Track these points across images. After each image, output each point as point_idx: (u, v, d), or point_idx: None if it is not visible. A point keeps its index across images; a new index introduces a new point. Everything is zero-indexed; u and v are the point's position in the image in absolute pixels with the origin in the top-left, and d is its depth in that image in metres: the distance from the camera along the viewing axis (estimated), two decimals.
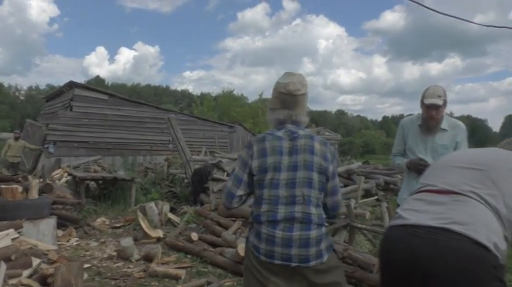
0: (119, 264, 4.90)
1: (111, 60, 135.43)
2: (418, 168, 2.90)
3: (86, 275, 4.21)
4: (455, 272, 1.36)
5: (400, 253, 1.52)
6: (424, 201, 1.58)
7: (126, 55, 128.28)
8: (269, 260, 1.91)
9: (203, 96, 49.42)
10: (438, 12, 4.32)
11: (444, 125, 3.02)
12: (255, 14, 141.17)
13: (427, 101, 2.93)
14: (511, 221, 1.47)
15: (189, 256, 5.13)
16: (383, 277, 1.71)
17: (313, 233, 1.89)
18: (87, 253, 5.40)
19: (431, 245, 1.41)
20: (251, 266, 1.99)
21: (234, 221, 5.51)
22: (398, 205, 3.32)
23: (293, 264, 1.88)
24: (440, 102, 2.90)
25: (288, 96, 2.01)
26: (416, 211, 1.55)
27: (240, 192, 2.03)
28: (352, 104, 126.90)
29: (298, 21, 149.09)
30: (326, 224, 1.96)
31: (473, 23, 4.40)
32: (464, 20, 4.38)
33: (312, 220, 1.90)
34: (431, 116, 2.96)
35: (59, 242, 5.70)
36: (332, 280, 1.92)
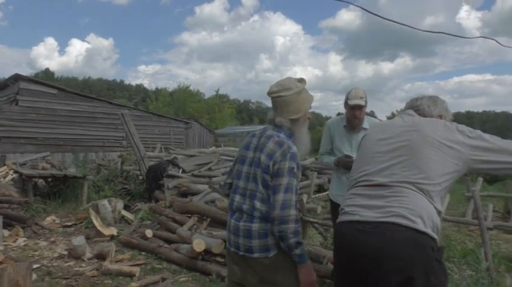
0: (71, 263, 4.79)
1: (62, 52, 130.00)
2: (346, 164, 3.14)
3: (35, 276, 4.10)
4: (400, 259, 1.53)
5: (350, 248, 1.68)
6: (364, 196, 1.73)
7: (77, 47, 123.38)
8: (228, 246, 2.11)
9: (158, 92, 48.52)
10: (380, 17, 4.55)
11: (365, 124, 3.32)
12: (213, 9, 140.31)
13: (351, 102, 3.21)
14: (436, 192, 1.67)
15: (143, 253, 5.10)
16: (336, 270, 1.85)
17: (255, 225, 1.96)
18: (36, 253, 5.23)
19: (378, 239, 1.58)
20: (226, 251, 2.20)
21: (190, 217, 5.53)
22: (331, 200, 3.53)
23: (240, 252, 2.01)
24: (362, 102, 3.21)
25: (271, 98, 2.13)
26: (360, 206, 1.70)
27: (229, 180, 2.25)
28: None
29: (256, 17, 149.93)
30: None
31: (409, 26, 4.68)
32: (399, 23, 4.62)
33: (254, 214, 1.97)
34: (355, 116, 3.25)
35: (5, 243, 5.47)
36: (279, 279, 1.94)
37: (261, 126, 2.24)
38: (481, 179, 8.59)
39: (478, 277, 3.49)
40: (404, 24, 4.65)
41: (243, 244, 2.00)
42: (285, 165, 1.91)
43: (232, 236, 2.06)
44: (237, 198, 2.08)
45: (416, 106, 1.99)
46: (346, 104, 3.28)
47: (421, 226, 1.57)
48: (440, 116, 1.97)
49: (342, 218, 1.78)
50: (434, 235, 1.60)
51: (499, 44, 5.40)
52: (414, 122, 1.84)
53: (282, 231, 1.85)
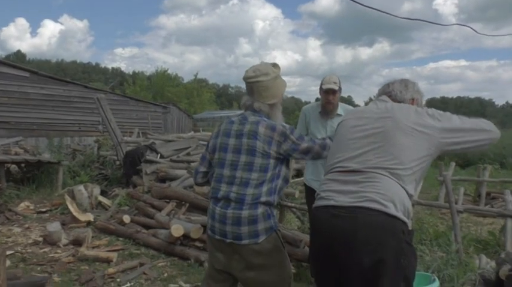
0: (46, 249, 4.73)
1: (34, 33, 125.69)
2: None
3: (9, 262, 4.03)
4: (372, 243, 1.59)
5: (325, 233, 1.73)
6: (338, 181, 1.76)
7: (50, 29, 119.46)
8: (211, 234, 2.09)
9: (136, 75, 47.58)
10: (358, 3, 4.56)
11: (340, 110, 3.40)
12: None
13: (325, 87, 3.30)
14: (408, 176, 1.72)
15: (121, 238, 5.08)
16: (312, 253, 1.92)
17: (245, 212, 1.97)
18: (10, 239, 5.14)
19: (351, 223, 1.63)
20: (207, 238, 2.21)
21: (168, 202, 5.51)
22: (306, 185, 3.60)
23: (228, 240, 2.01)
24: (336, 87, 3.29)
25: (246, 83, 2.13)
26: (334, 191, 1.74)
27: (203, 169, 2.24)
28: (288, 86, 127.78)
29: (235, 0, 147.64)
30: (264, 206, 1.98)
31: (387, 13, 4.74)
32: (377, 10, 4.66)
33: (244, 201, 1.98)
34: (328, 101, 3.33)
35: None
36: (266, 262, 2.00)
37: (241, 111, 2.22)
38: (453, 164, 8.84)
39: (448, 258, 3.62)
40: (383, 11, 4.69)
41: (231, 231, 1.99)
42: (292, 140, 2.03)
43: (218, 224, 2.04)
44: (223, 187, 2.05)
45: (389, 92, 2.01)
46: (320, 89, 3.37)
47: (392, 210, 1.62)
48: (413, 99, 2.00)
49: (317, 203, 1.82)
50: (405, 219, 1.66)
51: (474, 31, 5.50)
52: (387, 108, 1.87)
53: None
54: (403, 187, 1.68)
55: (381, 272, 1.58)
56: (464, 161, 15.12)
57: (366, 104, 3.37)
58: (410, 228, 1.72)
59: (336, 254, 1.68)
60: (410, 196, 1.72)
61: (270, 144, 1.99)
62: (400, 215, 1.63)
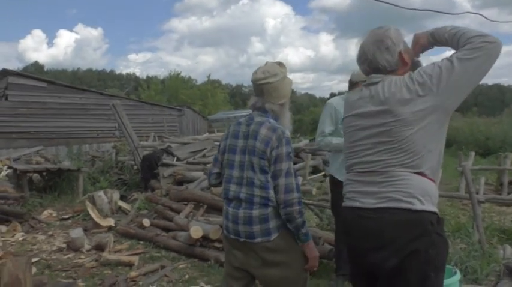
0: (69, 255, 4.83)
1: (50, 44, 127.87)
2: None
3: (34, 269, 4.13)
4: (400, 240, 1.61)
5: (354, 233, 1.77)
6: (359, 182, 1.76)
7: (66, 38, 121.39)
8: (226, 233, 2.14)
9: (150, 80, 48.09)
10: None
11: None
12: None
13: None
14: (426, 158, 1.64)
15: (141, 242, 5.14)
16: (348, 253, 1.93)
17: (256, 212, 2.01)
18: (35, 246, 5.26)
19: (377, 224, 1.65)
20: (223, 238, 2.25)
21: (186, 204, 5.56)
22: (331, 176, 3.48)
23: (241, 239, 2.06)
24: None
25: (254, 85, 2.14)
26: (358, 192, 1.76)
27: (216, 170, 2.27)
28: (302, 83, 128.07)
29: (245, 0, 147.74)
30: (273, 204, 2.00)
31: (394, 5, 4.68)
32: (385, 2, 4.58)
33: (253, 200, 2.02)
34: None
35: (3, 238, 5.49)
36: (281, 259, 2.03)
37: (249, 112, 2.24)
38: (473, 153, 8.68)
39: (470, 249, 3.56)
40: (389, 3, 4.62)
41: (243, 231, 2.04)
42: (282, 150, 1.98)
43: (231, 224, 2.09)
44: (233, 187, 2.10)
45: (376, 67, 1.78)
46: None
47: (418, 206, 1.61)
48: (400, 54, 1.75)
49: (345, 203, 1.85)
50: (433, 208, 1.64)
51: (486, 18, 5.38)
52: (381, 98, 1.71)
53: (288, 213, 1.97)
54: (422, 174, 1.65)
55: (411, 265, 1.60)
56: (485, 150, 14.82)
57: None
58: (438, 215, 1.68)
59: (365, 254, 1.71)
60: (432, 177, 1.67)
61: (267, 145, 2.00)
62: (426, 207, 1.62)
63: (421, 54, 1.85)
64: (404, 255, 1.60)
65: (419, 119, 1.63)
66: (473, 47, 1.57)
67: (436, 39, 1.76)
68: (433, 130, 1.66)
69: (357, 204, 1.75)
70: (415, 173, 1.65)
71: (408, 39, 1.85)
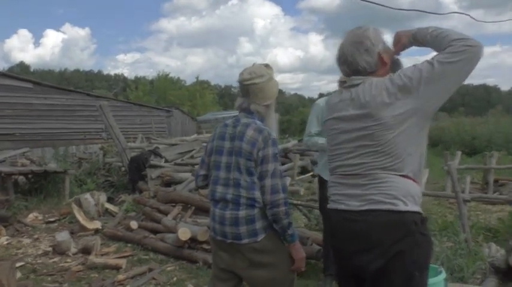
0: (55, 259, 4.76)
1: (37, 43, 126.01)
2: None
3: (19, 274, 4.07)
4: (385, 242, 1.62)
5: (339, 236, 1.78)
6: (344, 185, 1.77)
7: (53, 38, 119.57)
8: (213, 235, 2.14)
9: (138, 80, 47.73)
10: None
11: None
12: None
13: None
14: (407, 161, 1.65)
15: (129, 244, 5.10)
16: (334, 255, 1.94)
17: (242, 213, 2.01)
18: (20, 251, 5.18)
19: (363, 226, 1.66)
20: (210, 239, 2.27)
21: (174, 206, 5.53)
22: (320, 177, 3.51)
23: (228, 240, 2.06)
24: None
25: (240, 85, 2.15)
26: (343, 195, 1.76)
27: (202, 172, 2.27)
28: (291, 83, 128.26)
29: (234, 0, 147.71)
30: (259, 206, 2.00)
31: (380, 5, 4.70)
32: (371, 2, 4.59)
33: (240, 202, 2.02)
34: None
35: None
36: (268, 260, 2.03)
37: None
38: (459, 153, 8.79)
39: (457, 248, 3.60)
40: (377, 3, 4.65)
41: (230, 232, 2.04)
42: (268, 151, 1.99)
43: (218, 225, 2.09)
44: (219, 189, 2.11)
45: (356, 69, 1.76)
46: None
47: (401, 207, 1.63)
48: (379, 55, 1.74)
49: (330, 205, 1.85)
50: (416, 208, 1.66)
51: (472, 18, 5.48)
52: (361, 100, 1.70)
53: (275, 214, 1.97)
54: (405, 176, 1.66)
55: (396, 266, 1.61)
56: (471, 150, 15.04)
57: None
58: (422, 215, 1.70)
59: (351, 257, 1.72)
60: (414, 178, 1.68)
61: (253, 146, 2.00)
62: (410, 207, 1.63)
63: (402, 53, 1.85)
64: (389, 256, 1.61)
65: (399, 123, 1.62)
66: (454, 51, 1.56)
67: (418, 40, 1.75)
68: (413, 133, 1.65)
69: (342, 206, 1.75)
70: (397, 175, 1.66)
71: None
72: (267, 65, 2.17)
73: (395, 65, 1.81)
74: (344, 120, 1.76)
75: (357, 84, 1.74)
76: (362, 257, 1.67)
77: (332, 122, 1.84)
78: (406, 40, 1.79)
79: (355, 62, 1.74)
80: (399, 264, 1.61)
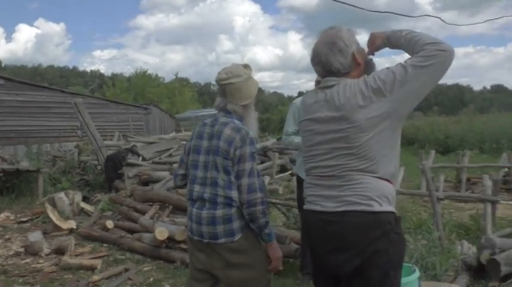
0: (28, 260, 4.63)
1: (8, 39, 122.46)
2: None
3: None
4: (361, 242, 1.64)
5: (315, 236, 1.79)
6: (320, 186, 1.77)
7: (26, 33, 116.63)
8: (190, 235, 2.13)
9: (115, 77, 46.94)
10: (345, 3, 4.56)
11: None
12: None
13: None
14: (382, 162, 1.67)
15: (105, 244, 5.01)
16: (311, 255, 1.95)
17: (219, 212, 2.01)
18: None
19: (339, 227, 1.68)
20: (187, 239, 2.25)
21: (151, 205, 5.46)
22: (298, 176, 3.53)
23: (205, 240, 2.05)
24: None
25: (217, 85, 2.14)
26: (319, 196, 1.77)
27: (181, 171, 2.27)
28: (270, 81, 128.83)
29: None
30: (236, 205, 2.00)
31: (354, 6, 4.77)
32: (344, 3, 4.65)
33: (217, 200, 2.02)
34: None
35: None
36: (245, 261, 2.03)
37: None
38: (433, 152, 8.99)
39: (430, 245, 3.68)
40: (352, 5, 4.70)
41: (207, 232, 2.03)
42: (245, 150, 1.99)
43: (195, 225, 2.09)
44: (197, 188, 2.10)
45: (329, 70, 1.76)
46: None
47: (376, 207, 1.65)
48: (353, 55, 1.74)
49: (306, 206, 1.86)
50: (390, 208, 1.69)
51: (443, 21, 5.64)
52: (336, 102, 1.71)
53: (251, 213, 1.97)
54: (379, 177, 1.68)
55: (371, 265, 1.63)
56: (445, 148, 15.41)
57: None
58: (396, 214, 1.72)
59: (327, 257, 1.74)
60: (388, 179, 1.71)
61: (230, 145, 2.00)
62: (384, 208, 1.66)
63: (376, 53, 1.87)
64: (365, 256, 1.64)
65: (373, 125, 1.64)
66: (427, 55, 1.59)
67: (392, 43, 1.78)
68: (387, 135, 1.68)
69: (318, 208, 1.76)
70: (372, 176, 1.68)
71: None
72: (245, 65, 2.16)
73: (369, 66, 1.82)
74: (319, 122, 1.76)
75: (332, 86, 1.75)
76: (338, 257, 1.69)
77: (307, 123, 1.84)
78: (380, 42, 1.81)
79: (329, 63, 1.74)
80: (375, 263, 1.64)
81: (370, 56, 1.86)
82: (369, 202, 1.65)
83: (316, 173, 1.80)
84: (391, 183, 1.73)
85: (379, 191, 1.67)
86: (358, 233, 1.64)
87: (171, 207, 5.30)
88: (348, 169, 1.68)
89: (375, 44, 1.82)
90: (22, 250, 4.93)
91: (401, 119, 1.71)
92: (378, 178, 1.68)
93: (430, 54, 1.58)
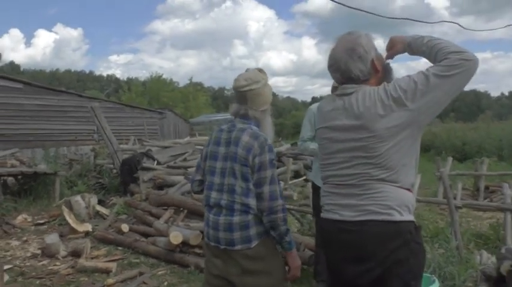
0: (44, 262, 4.69)
1: (28, 43, 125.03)
2: None
3: (7, 277, 4.01)
4: (381, 252, 1.61)
5: (334, 246, 1.77)
6: (338, 194, 1.75)
7: (44, 38, 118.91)
8: (207, 241, 2.12)
9: (130, 82, 47.44)
10: (342, 4, 4.56)
11: None
12: None
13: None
14: (401, 172, 1.64)
15: (120, 248, 5.04)
16: (327, 265, 1.92)
17: (236, 219, 1.99)
18: (8, 253, 5.10)
19: (358, 237, 1.65)
20: (204, 245, 2.25)
21: (166, 209, 5.48)
22: (313, 183, 3.51)
23: (221, 246, 2.04)
24: None
25: (235, 92, 2.13)
26: (337, 205, 1.74)
27: (198, 177, 2.25)
28: (284, 86, 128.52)
29: (228, 3, 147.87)
30: (253, 212, 1.99)
31: (371, 13, 4.76)
32: (361, 10, 4.65)
33: (234, 207, 2.00)
34: None
35: None
36: (261, 268, 2.01)
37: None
38: (450, 159, 8.84)
39: (448, 255, 3.61)
40: (369, 12, 4.68)
41: (223, 238, 2.02)
42: (265, 158, 1.97)
43: (212, 231, 2.08)
44: (214, 194, 2.09)
45: (349, 77, 1.73)
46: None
47: (397, 217, 1.62)
48: (372, 62, 1.71)
49: (323, 214, 1.84)
50: (410, 217, 1.66)
51: (460, 26, 5.59)
52: (355, 110, 1.68)
53: (272, 221, 1.96)
54: (399, 187, 1.66)
55: (392, 275, 1.61)
56: (462, 155, 15.14)
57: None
58: (416, 224, 1.70)
59: (345, 267, 1.71)
60: (408, 188, 1.68)
61: (249, 152, 1.98)
62: (405, 217, 1.64)
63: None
64: (386, 266, 1.61)
65: (393, 135, 1.61)
66: (451, 64, 1.55)
67: (412, 50, 1.74)
68: (407, 145, 1.65)
69: (336, 216, 1.73)
70: (392, 185, 1.65)
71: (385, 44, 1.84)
72: (260, 70, 2.16)
73: (386, 71, 1.79)
74: (337, 130, 1.74)
75: (350, 93, 1.72)
76: (356, 267, 1.66)
77: (324, 131, 1.81)
78: (401, 47, 1.77)
79: (349, 69, 1.71)
80: (395, 273, 1.61)
81: (388, 61, 1.82)
82: (389, 211, 1.62)
83: (334, 181, 1.77)
84: (411, 192, 1.71)
85: (399, 200, 1.64)
86: (378, 242, 1.62)
87: (185, 211, 5.31)
88: (367, 177, 1.66)
89: (395, 49, 1.79)
90: (39, 251, 5.00)
91: (422, 128, 1.68)
92: (399, 187, 1.66)
93: (453, 63, 1.55)
